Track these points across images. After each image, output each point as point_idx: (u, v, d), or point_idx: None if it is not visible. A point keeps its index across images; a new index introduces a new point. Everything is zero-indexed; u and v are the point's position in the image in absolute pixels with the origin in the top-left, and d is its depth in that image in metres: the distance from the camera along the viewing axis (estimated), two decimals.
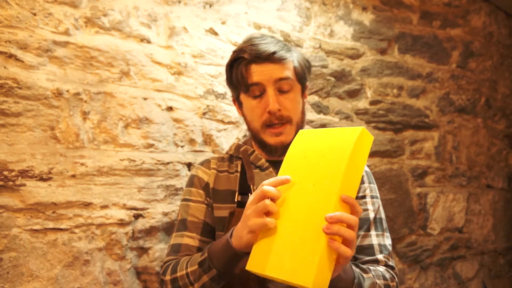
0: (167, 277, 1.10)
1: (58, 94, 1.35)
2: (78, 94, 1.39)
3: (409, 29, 2.28)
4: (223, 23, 1.70)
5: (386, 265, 1.15)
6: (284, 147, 1.14)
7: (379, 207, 1.21)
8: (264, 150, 1.19)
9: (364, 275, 1.05)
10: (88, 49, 1.41)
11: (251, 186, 1.17)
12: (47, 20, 1.34)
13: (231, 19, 1.72)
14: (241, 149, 1.24)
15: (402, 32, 2.25)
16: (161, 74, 1.55)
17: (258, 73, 1.12)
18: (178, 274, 1.07)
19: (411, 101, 2.28)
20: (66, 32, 1.37)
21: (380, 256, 1.15)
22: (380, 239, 1.18)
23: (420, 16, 2.32)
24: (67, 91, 1.37)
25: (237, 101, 1.24)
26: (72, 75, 1.38)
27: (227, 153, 1.29)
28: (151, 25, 1.53)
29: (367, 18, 2.13)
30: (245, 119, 1.22)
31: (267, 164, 1.19)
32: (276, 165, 1.19)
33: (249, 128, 1.21)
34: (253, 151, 1.22)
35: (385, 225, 1.22)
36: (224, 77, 1.69)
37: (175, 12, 1.59)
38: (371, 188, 1.23)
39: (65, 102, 1.37)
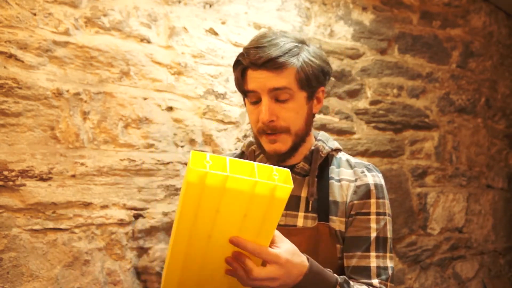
0: None
1: (58, 94, 1.35)
2: (78, 94, 1.39)
3: (409, 29, 2.28)
4: (223, 23, 1.70)
5: None
6: (279, 156, 1.09)
7: (385, 225, 1.11)
8: (264, 155, 1.14)
9: None
10: (88, 49, 1.41)
11: None
12: (47, 20, 1.34)
13: (231, 19, 1.72)
14: (250, 148, 1.19)
15: (402, 32, 2.25)
16: (161, 74, 1.55)
17: (253, 80, 1.05)
18: None
19: (411, 101, 2.28)
20: (66, 32, 1.37)
21: (375, 281, 1.06)
22: (380, 261, 1.09)
23: (420, 16, 2.32)
24: (67, 91, 1.37)
25: (244, 101, 1.18)
26: (72, 75, 1.38)
27: (241, 149, 1.24)
28: (151, 25, 1.53)
29: (367, 18, 2.13)
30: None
31: None
32: None
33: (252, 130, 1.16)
34: (260, 153, 1.16)
35: (390, 245, 1.12)
36: (224, 77, 1.70)
37: (175, 12, 1.59)
38: (379, 204, 1.11)
39: (65, 102, 1.37)
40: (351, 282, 1.02)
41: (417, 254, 2.27)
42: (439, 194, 2.37)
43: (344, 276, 1.02)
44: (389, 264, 1.10)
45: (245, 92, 1.09)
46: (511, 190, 2.69)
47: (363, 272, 1.08)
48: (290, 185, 0.83)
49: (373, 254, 1.09)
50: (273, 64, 1.03)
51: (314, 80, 1.09)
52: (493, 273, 2.62)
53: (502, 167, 2.65)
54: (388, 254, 1.11)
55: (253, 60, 1.04)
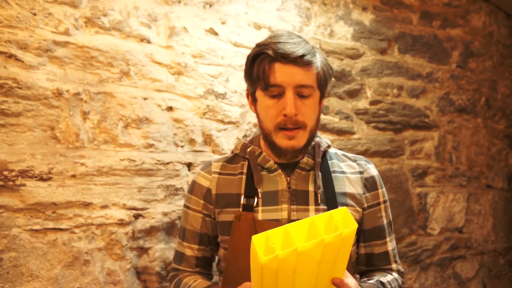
0: None
1: (58, 94, 1.35)
2: (78, 94, 1.39)
3: (409, 29, 2.28)
4: (223, 23, 1.70)
5: (398, 272, 1.25)
6: (295, 151, 1.12)
7: (388, 210, 1.26)
8: (274, 152, 1.15)
9: None
10: (88, 49, 1.41)
11: (258, 189, 1.14)
12: (47, 20, 1.34)
13: (231, 19, 1.72)
14: (248, 149, 1.19)
15: (402, 32, 2.25)
16: (161, 74, 1.55)
17: (281, 74, 1.07)
18: None
19: (411, 101, 2.28)
20: (66, 32, 1.37)
21: (394, 266, 1.25)
22: (392, 244, 1.25)
23: (420, 16, 2.32)
24: (67, 91, 1.37)
25: (251, 96, 1.18)
26: (72, 75, 1.38)
27: (232, 152, 1.25)
28: (151, 25, 1.53)
29: (367, 18, 2.13)
30: (258, 116, 1.17)
31: (275, 166, 1.16)
32: (285, 167, 1.16)
33: (261, 127, 1.15)
34: (261, 153, 1.17)
35: (392, 226, 1.27)
36: (224, 77, 1.70)
37: (175, 12, 1.59)
38: (383, 193, 1.24)
39: (65, 102, 1.37)
40: (384, 281, 1.15)
41: (417, 254, 2.27)
42: (439, 194, 2.37)
43: (378, 280, 1.14)
44: (395, 243, 1.27)
45: (267, 85, 1.09)
46: (511, 190, 2.69)
47: (384, 258, 1.23)
48: (355, 226, 0.90)
49: (388, 239, 1.24)
50: (303, 61, 1.07)
51: (327, 82, 1.16)
52: (493, 273, 2.62)
53: (502, 167, 2.65)
54: (393, 235, 1.27)
55: (284, 54, 1.06)
